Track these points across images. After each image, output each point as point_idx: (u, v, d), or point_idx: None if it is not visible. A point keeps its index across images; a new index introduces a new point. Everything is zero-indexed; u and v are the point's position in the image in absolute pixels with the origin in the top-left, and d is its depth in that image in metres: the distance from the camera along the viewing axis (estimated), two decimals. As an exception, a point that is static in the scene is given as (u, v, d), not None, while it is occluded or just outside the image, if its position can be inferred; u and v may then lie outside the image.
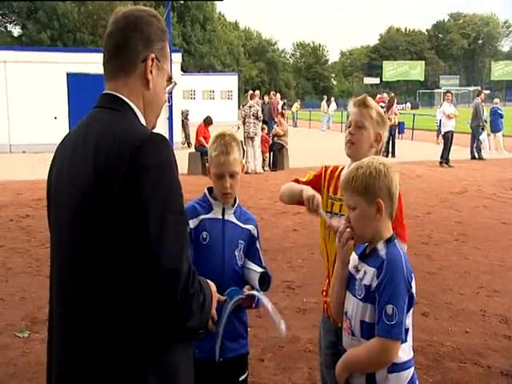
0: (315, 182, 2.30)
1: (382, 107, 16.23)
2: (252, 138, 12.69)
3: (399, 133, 20.08)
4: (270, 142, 13.54)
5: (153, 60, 1.40)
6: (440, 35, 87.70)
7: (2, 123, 16.81)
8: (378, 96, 19.55)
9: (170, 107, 17.24)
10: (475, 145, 15.58)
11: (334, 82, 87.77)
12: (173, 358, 1.31)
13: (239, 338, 2.16)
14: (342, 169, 2.28)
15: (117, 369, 1.25)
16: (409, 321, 1.71)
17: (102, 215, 1.23)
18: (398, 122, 17.88)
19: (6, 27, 51.74)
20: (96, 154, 1.27)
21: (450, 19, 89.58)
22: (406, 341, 1.68)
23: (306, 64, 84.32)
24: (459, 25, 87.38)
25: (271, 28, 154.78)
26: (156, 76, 1.42)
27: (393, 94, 18.39)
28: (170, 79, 1.50)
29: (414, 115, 24.29)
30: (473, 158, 15.50)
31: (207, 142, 12.35)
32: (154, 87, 1.42)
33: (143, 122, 1.41)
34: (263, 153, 13.26)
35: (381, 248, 1.73)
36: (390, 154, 15.83)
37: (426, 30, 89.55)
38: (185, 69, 35.93)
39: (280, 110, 18.83)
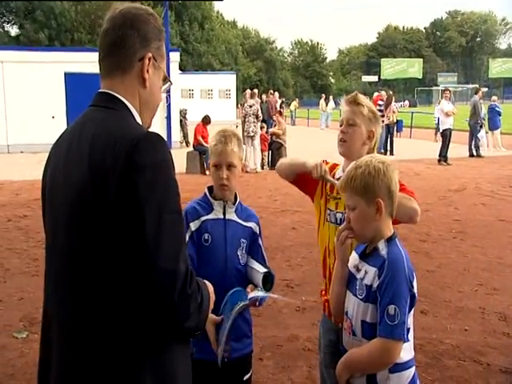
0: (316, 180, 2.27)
1: (380, 105, 16.29)
2: (252, 137, 12.69)
3: (397, 131, 20.08)
4: (269, 141, 13.53)
5: (150, 59, 1.39)
6: (438, 33, 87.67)
7: (-1, 123, 16.78)
8: (376, 94, 19.50)
9: (168, 106, 17.23)
10: (473, 142, 15.58)
11: (333, 81, 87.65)
12: (170, 359, 1.31)
13: (244, 338, 2.16)
14: (337, 168, 2.27)
15: (114, 369, 1.24)
16: (410, 320, 1.70)
17: (98, 214, 1.22)
18: (397, 120, 17.87)
19: (3, 27, 51.59)
20: (91, 153, 1.25)
21: (447, 17, 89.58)
22: (407, 340, 1.67)
23: (304, 62, 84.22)
24: (457, 22, 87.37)
25: (269, 26, 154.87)
26: (152, 75, 1.41)
27: (391, 92, 18.34)
28: (165, 79, 1.49)
29: (412, 113, 24.29)
30: (471, 155, 15.50)
31: (205, 141, 12.34)
32: (150, 86, 1.41)
33: (139, 121, 1.39)
34: (262, 151, 13.25)
35: (382, 247, 1.72)
36: (388, 152, 15.83)
37: (424, 28, 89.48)
38: (183, 68, 35.84)
39: (278, 108, 18.81)
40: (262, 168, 13.16)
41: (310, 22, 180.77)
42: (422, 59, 73.38)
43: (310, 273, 5.21)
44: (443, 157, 13.95)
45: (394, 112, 16.81)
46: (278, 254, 6.01)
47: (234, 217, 2.15)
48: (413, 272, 1.69)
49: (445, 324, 4.17)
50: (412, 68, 71.09)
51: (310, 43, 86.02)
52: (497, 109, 16.65)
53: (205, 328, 1.45)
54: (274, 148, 13.41)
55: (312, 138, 22.31)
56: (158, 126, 15.57)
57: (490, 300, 4.68)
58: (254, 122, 12.66)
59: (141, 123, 1.40)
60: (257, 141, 12.83)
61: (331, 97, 31.84)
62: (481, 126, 15.59)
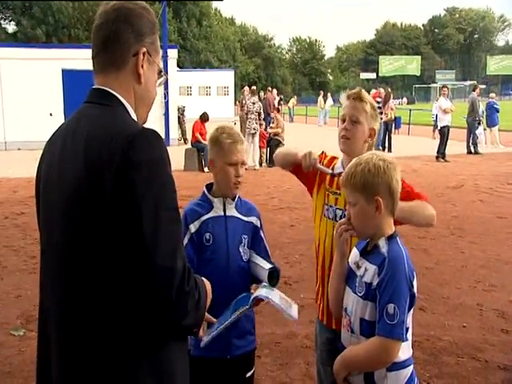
0: (312, 171, 2.26)
1: (378, 102, 16.28)
2: (253, 135, 12.69)
3: (395, 128, 20.08)
4: (267, 138, 13.53)
5: (144, 54, 1.37)
6: (436, 30, 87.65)
7: (-4, 120, 16.73)
8: (374, 91, 19.49)
9: (167, 103, 17.19)
10: (471, 139, 15.58)
11: (331, 78, 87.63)
12: (168, 356, 1.30)
13: (247, 335, 2.15)
14: (336, 162, 2.26)
15: (112, 366, 1.24)
16: (409, 319, 1.69)
17: (94, 211, 1.21)
18: (395, 117, 17.87)
19: (0, 24, 51.45)
20: (87, 150, 1.24)
21: (446, 14, 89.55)
22: (406, 340, 1.66)
23: (302, 59, 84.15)
24: (455, 19, 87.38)
25: (267, 23, 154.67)
26: (147, 70, 1.39)
27: (389, 89, 18.34)
28: (160, 73, 1.47)
29: (410, 110, 24.29)
30: (469, 152, 15.51)
31: (203, 138, 12.31)
32: (145, 82, 1.39)
33: (134, 117, 1.38)
34: (260, 149, 13.25)
35: (382, 245, 1.71)
36: (386, 149, 15.83)
37: (422, 25, 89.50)
38: (181, 65, 35.79)
39: (276, 105, 18.78)
40: (261, 165, 13.15)
41: (308, 19, 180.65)
42: (420, 56, 73.42)
43: (308, 270, 5.20)
44: (441, 154, 13.96)
45: (392, 109, 16.81)
46: (276, 252, 6.00)
47: (235, 212, 2.14)
48: (413, 271, 1.68)
49: (443, 321, 4.17)
50: (410, 65, 71.12)
51: (308, 40, 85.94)
52: (495, 106, 16.66)
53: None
54: (273, 145, 13.39)
55: (310, 135, 22.30)
56: (155, 123, 15.53)
57: (488, 297, 4.68)
58: (256, 119, 12.67)
59: (136, 119, 1.38)
60: (257, 138, 12.82)
61: (329, 94, 31.83)
62: (479, 123, 15.58)
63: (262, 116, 13.27)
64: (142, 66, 1.37)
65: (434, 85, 58.32)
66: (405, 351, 1.69)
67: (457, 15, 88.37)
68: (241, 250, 2.11)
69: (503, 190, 9.81)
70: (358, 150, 2.10)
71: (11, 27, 51.21)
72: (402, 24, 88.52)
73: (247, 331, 2.16)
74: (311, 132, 24.43)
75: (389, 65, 70.95)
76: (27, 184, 10.02)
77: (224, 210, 2.11)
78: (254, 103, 12.83)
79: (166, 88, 16.50)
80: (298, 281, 5.03)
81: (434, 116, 17.87)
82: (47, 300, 1.36)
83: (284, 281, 5.00)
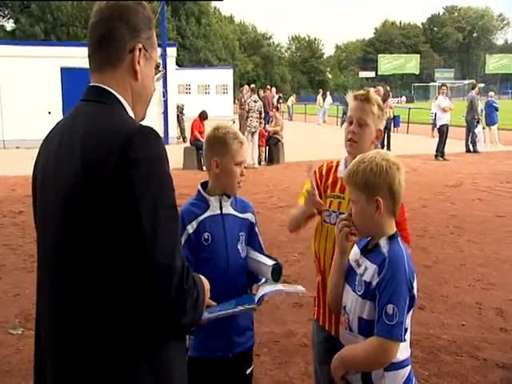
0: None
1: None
2: (253, 133, 12.68)
3: (394, 126, 20.08)
4: (266, 137, 13.52)
5: (140, 50, 1.36)
6: (435, 28, 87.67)
7: (-5, 118, 16.70)
8: (373, 89, 19.50)
9: (165, 102, 17.17)
10: (470, 138, 15.59)
11: (330, 76, 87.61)
12: (166, 355, 1.29)
13: (246, 331, 2.15)
14: (338, 164, 2.24)
15: (110, 365, 1.23)
16: (408, 320, 1.68)
17: (91, 209, 1.20)
18: (394, 116, 17.87)
19: (-2, 22, 51.33)
20: (84, 148, 1.23)
21: (444, 13, 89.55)
22: (404, 340, 1.65)
23: (301, 58, 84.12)
24: (454, 18, 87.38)
25: (266, 22, 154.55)
26: (144, 66, 1.39)
27: (388, 88, 18.35)
28: (157, 67, 1.46)
29: (409, 109, 24.26)
30: (468, 151, 15.52)
31: (202, 137, 12.28)
32: (142, 78, 1.38)
33: (131, 114, 1.37)
34: (259, 147, 13.24)
35: (383, 244, 1.70)
36: (385, 148, 15.83)
37: (421, 24, 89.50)
38: (180, 63, 35.74)
39: (275, 104, 18.77)
40: (260, 164, 13.14)
41: (307, 18, 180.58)
42: (419, 55, 73.44)
43: (306, 268, 5.19)
44: (440, 152, 13.96)
45: (391, 107, 16.80)
46: (274, 250, 5.99)
47: (231, 210, 2.13)
48: (413, 272, 1.67)
49: (442, 319, 4.17)
50: (409, 63, 71.14)
51: (307, 39, 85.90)
52: (494, 104, 16.65)
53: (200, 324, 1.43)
54: (272, 143, 13.39)
55: (309, 134, 22.31)
56: (154, 122, 15.50)
57: (487, 295, 4.68)
58: (257, 117, 12.67)
59: (133, 116, 1.38)
60: (256, 136, 12.81)
61: (328, 92, 31.82)
62: (478, 122, 15.59)
63: (263, 114, 13.29)
64: (139, 62, 1.36)
65: (433, 83, 58.34)
66: (403, 351, 1.68)
67: (456, 14, 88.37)
68: (239, 247, 2.11)
69: (502, 188, 9.81)
70: (364, 152, 2.08)
71: (9, 25, 51.20)
72: (401, 23, 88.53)
73: (246, 328, 2.16)
74: (310, 130, 24.43)
75: (388, 63, 70.94)
76: (25, 182, 10.00)
77: (220, 208, 2.10)
78: (255, 101, 12.83)
79: (165, 86, 16.50)
80: (296, 279, 5.02)
81: (433, 115, 17.85)
82: (44, 298, 1.36)
83: (283, 279, 4.94)
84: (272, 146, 13.39)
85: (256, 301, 1.86)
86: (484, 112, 16.60)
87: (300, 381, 3.30)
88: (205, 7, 59.91)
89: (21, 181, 10.32)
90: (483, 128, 16.51)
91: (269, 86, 23.14)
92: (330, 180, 2.20)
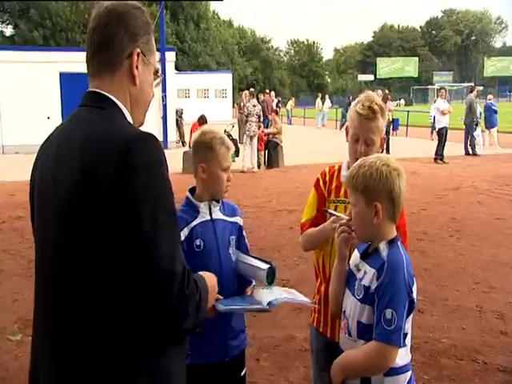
0: (320, 203, 2.21)
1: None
2: (252, 137, 12.69)
3: (393, 129, 20.09)
4: (265, 141, 13.53)
5: (138, 55, 1.36)
6: (433, 32, 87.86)
7: (-6, 124, 16.70)
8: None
9: (164, 106, 17.19)
10: (469, 141, 15.60)
11: (329, 80, 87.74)
12: (166, 360, 1.29)
13: (240, 333, 2.15)
14: (340, 168, 2.22)
15: (110, 371, 1.22)
16: (408, 325, 1.67)
17: (90, 215, 1.19)
18: (393, 119, 17.90)
19: (-3, 27, 51.38)
20: (82, 154, 1.23)
21: (443, 16, 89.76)
22: (404, 346, 1.64)
23: (300, 62, 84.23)
24: (452, 21, 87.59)
25: (265, 26, 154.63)
26: (142, 71, 1.38)
27: (387, 91, 18.39)
28: (156, 73, 1.46)
29: (408, 112, 24.31)
30: (467, 154, 15.52)
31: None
32: (140, 83, 1.38)
33: (130, 119, 1.37)
34: (258, 151, 13.24)
35: (383, 248, 1.69)
36: (384, 151, 15.83)
37: (420, 27, 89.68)
38: (179, 68, 35.75)
39: (275, 107, 18.80)
40: (259, 168, 13.14)
41: (306, 22, 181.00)
42: (417, 58, 73.55)
43: (306, 272, 5.18)
44: (439, 155, 13.97)
45: (389, 111, 16.83)
46: (274, 254, 5.99)
47: (220, 215, 2.13)
48: (413, 277, 1.66)
49: (442, 323, 4.16)
50: (408, 67, 71.26)
51: (306, 42, 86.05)
52: (493, 107, 16.69)
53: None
54: (271, 147, 13.40)
55: (308, 137, 22.33)
56: (154, 126, 15.52)
57: (487, 298, 4.67)
58: (256, 121, 12.69)
59: (132, 122, 1.37)
60: (255, 140, 12.82)
61: (327, 96, 31.85)
62: (476, 125, 15.60)
63: (262, 119, 13.31)
64: (137, 67, 1.36)
65: (432, 86, 58.49)
66: (402, 357, 1.67)
67: (454, 17, 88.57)
68: (231, 251, 2.11)
69: (501, 191, 9.81)
70: None
71: (8, 30, 51.25)
72: (399, 26, 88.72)
73: (240, 330, 2.16)
74: (310, 134, 24.45)
75: (386, 67, 71.09)
76: (25, 188, 9.92)
77: (210, 214, 2.10)
78: (254, 106, 12.84)
79: (164, 91, 16.52)
80: (296, 283, 5.00)
81: (432, 118, 17.88)
82: (42, 305, 1.35)
83: (283, 283, 4.98)
84: (271, 150, 13.39)
85: (265, 304, 1.85)
86: (483, 115, 16.63)
87: (300, 386, 3.29)
88: (203, 11, 60.01)
89: (20, 186, 10.31)
90: (482, 131, 16.53)
91: (268, 90, 23.17)
92: (334, 185, 2.19)
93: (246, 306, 1.85)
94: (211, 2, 52.99)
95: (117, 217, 1.17)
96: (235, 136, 13.99)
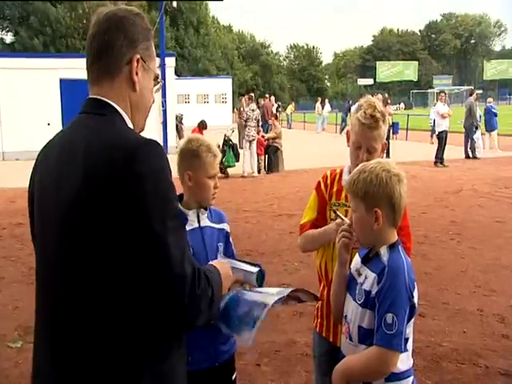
0: (321, 206, 2.21)
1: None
2: (251, 142, 12.71)
3: (393, 133, 20.14)
4: (265, 145, 13.54)
5: (138, 61, 1.37)
6: (433, 35, 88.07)
7: (-6, 130, 16.73)
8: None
9: (164, 112, 17.21)
10: (469, 144, 15.61)
11: (328, 84, 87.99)
12: (169, 364, 1.29)
13: (229, 338, 2.14)
14: (341, 172, 2.22)
15: (112, 377, 1.22)
16: (409, 330, 1.66)
17: (92, 220, 1.20)
18: (392, 123, 17.96)
19: (-2, 34, 51.56)
20: (86, 161, 1.23)
21: (442, 19, 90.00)
22: (405, 351, 1.64)
23: (299, 66, 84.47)
24: (452, 25, 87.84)
25: (265, 31, 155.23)
26: (142, 77, 1.39)
27: (386, 95, 18.42)
28: (156, 79, 1.46)
29: (407, 115, 24.33)
30: (467, 157, 15.53)
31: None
32: (140, 89, 1.39)
33: (130, 125, 1.37)
34: (258, 156, 13.25)
35: (383, 253, 1.69)
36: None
37: (419, 31, 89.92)
38: (179, 73, 35.84)
39: (274, 112, 18.83)
40: (259, 172, 13.15)
41: (305, 26, 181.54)
42: (417, 62, 73.79)
43: (307, 277, 5.17)
44: (439, 159, 13.98)
45: (389, 114, 16.85)
46: (275, 258, 5.99)
47: (208, 222, 2.14)
48: (414, 282, 1.65)
49: (443, 326, 4.15)
50: (407, 70, 71.45)
51: (305, 47, 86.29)
52: (493, 110, 16.71)
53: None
54: (271, 152, 13.41)
55: (308, 142, 22.35)
56: (154, 132, 15.54)
57: (488, 302, 4.66)
58: (254, 126, 12.71)
59: (132, 127, 1.38)
60: (254, 145, 12.84)
61: (327, 100, 31.90)
62: (476, 128, 15.61)
63: (260, 123, 13.33)
64: (137, 73, 1.37)
65: (432, 90, 58.51)
66: (404, 362, 1.66)
67: (453, 21, 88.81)
68: (219, 258, 2.11)
69: (502, 194, 9.80)
70: None
71: (9, 37, 51.45)
72: (398, 30, 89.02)
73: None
74: (310, 138, 24.47)
75: (386, 70, 71.26)
76: (25, 194, 9.78)
77: (198, 222, 2.11)
78: (253, 110, 12.87)
79: (164, 96, 16.55)
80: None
81: (432, 121, 17.90)
82: (42, 310, 1.35)
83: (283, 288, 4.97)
84: (271, 155, 13.40)
85: (263, 314, 1.83)
86: (483, 118, 16.64)
87: (301, 391, 3.28)
88: (203, 17, 60.20)
89: (20, 193, 10.31)
90: (482, 134, 16.54)
91: (267, 95, 23.19)
92: (335, 188, 2.19)
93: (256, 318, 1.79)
94: (211, 7, 53.22)
95: (124, 223, 1.18)
96: (235, 141, 13.99)
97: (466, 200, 9.34)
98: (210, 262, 1.48)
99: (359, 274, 1.75)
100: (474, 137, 15.62)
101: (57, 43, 46.05)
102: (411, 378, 1.71)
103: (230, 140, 13.02)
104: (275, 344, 3.88)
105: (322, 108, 29.09)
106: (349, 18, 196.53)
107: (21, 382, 3.35)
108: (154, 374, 1.25)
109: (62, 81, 17.07)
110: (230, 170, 12.68)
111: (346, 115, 25.14)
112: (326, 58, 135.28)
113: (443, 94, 15.49)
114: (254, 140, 12.77)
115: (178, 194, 2.14)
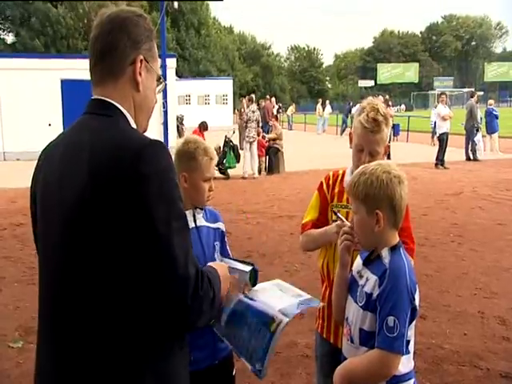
0: (322, 206, 2.21)
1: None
2: (251, 143, 12.72)
3: (394, 135, 20.13)
4: (266, 147, 13.54)
5: (141, 61, 1.37)
6: (434, 37, 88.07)
7: (-5, 131, 16.74)
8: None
9: (165, 112, 17.21)
10: (470, 146, 15.61)
11: (329, 85, 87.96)
12: (172, 364, 1.30)
13: None
14: (344, 173, 2.23)
15: (114, 377, 1.22)
16: (411, 332, 1.66)
17: (96, 219, 1.20)
18: (393, 124, 17.91)
19: (-1, 35, 51.61)
20: (91, 161, 1.24)
21: (443, 21, 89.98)
22: (407, 353, 1.64)
23: (300, 67, 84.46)
24: (452, 27, 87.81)
25: (266, 32, 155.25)
26: (145, 78, 1.39)
27: (387, 97, 18.42)
28: (159, 79, 1.47)
29: (408, 117, 24.34)
30: (468, 159, 15.52)
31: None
32: (143, 89, 1.39)
33: (134, 126, 1.38)
34: (259, 157, 13.25)
35: (385, 255, 1.69)
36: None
37: (420, 33, 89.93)
38: (180, 74, 35.86)
39: (275, 113, 18.83)
40: (259, 173, 13.15)
41: (306, 28, 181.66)
42: (417, 63, 73.75)
43: (308, 278, 5.17)
44: (440, 160, 13.98)
45: (390, 116, 16.80)
46: (275, 260, 5.99)
47: (204, 222, 2.14)
48: (415, 284, 1.65)
49: (444, 329, 4.15)
50: (408, 72, 71.43)
51: (306, 48, 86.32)
52: (494, 112, 16.70)
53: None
54: (272, 153, 13.41)
55: (309, 143, 22.34)
56: (155, 133, 15.54)
57: (489, 304, 4.66)
58: (255, 127, 12.73)
59: (136, 127, 1.38)
60: (255, 146, 12.84)
61: (328, 101, 31.92)
62: (477, 130, 15.62)
63: (260, 124, 13.33)
64: (140, 74, 1.37)
65: (432, 92, 58.56)
66: (405, 364, 1.66)
67: (454, 22, 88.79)
68: (216, 257, 2.12)
69: (503, 196, 9.80)
70: None
71: (10, 38, 51.48)
72: (399, 32, 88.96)
73: None
74: (310, 140, 24.47)
75: (387, 72, 71.25)
76: (26, 195, 9.87)
77: (194, 221, 2.11)
78: (253, 111, 12.88)
79: (165, 97, 16.55)
80: (297, 289, 5.00)
81: (433, 123, 17.90)
82: (44, 308, 1.35)
83: (284, 290, 4.97)
84: (272, 156, 13.40)
85: (282, 326, 1.78)
86: (484, 120, 16.64)
87: (302, 392, 3.27)
88: (204, 18, 60.21)
89: (21, 193, 10.32)
90: (483, 136, 16.54)
91: (268, 96, 23.21)
92: (337, 190, 2.20)
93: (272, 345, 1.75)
94: (211, 8, 53.23)
95: (129, 223, 1.18)
96: (236, 142, 14.00)
97: (467, 202, 9.33)
98: (209, 264, 1.49)
99: (360, 276, 1.75)
100: (475, 139, 15.62)
101: (58, 44, 46.07)
102: (412, 381, 1.71)
103: (231, 141, 13.02)
104: (276, 345, 3.87)
105: (323, 109, 29.11)
106: (349, 19, 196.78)
107: (22, 382, 3.35)
108: (156, 373, 1.25)
109: (63, 81, 17.07)
110: (230, 171, 12.69)
111: (347, 117, 25.16)
112: (327, 60, 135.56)
113: (444, 96, 15.49)
114: (254, 141, 12.79)
115: None
